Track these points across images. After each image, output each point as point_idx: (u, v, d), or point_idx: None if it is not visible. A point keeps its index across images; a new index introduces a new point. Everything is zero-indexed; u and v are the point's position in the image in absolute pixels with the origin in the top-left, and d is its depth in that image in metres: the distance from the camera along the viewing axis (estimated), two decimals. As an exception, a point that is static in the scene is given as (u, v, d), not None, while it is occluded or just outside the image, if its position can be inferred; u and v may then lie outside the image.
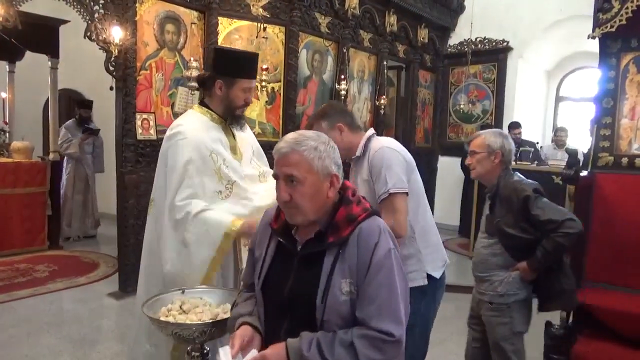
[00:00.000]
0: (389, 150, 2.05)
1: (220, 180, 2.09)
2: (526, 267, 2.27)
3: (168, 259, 2.03)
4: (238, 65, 2.12)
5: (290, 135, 1.40)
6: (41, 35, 5.53)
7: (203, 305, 1.69)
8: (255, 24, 4.89)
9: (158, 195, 2.17)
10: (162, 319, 1.59)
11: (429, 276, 2.09)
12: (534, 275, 2.29)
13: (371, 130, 2.20)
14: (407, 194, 2.00)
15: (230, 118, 2.18)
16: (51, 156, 5.91)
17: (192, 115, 2.20)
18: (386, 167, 1.99)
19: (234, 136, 2.23)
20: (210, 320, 1.58)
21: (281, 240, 1.45)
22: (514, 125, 6.55)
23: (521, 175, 2.40)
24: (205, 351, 1.64)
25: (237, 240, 2.08)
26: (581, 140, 6.14)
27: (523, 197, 2.23)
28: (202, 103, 2.22)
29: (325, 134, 1.70)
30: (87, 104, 6.56)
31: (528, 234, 2.26)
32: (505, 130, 6.72)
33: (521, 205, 2.23)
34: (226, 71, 2.10)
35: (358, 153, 2.14)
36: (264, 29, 4.87)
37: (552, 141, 6.83)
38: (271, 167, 2.20)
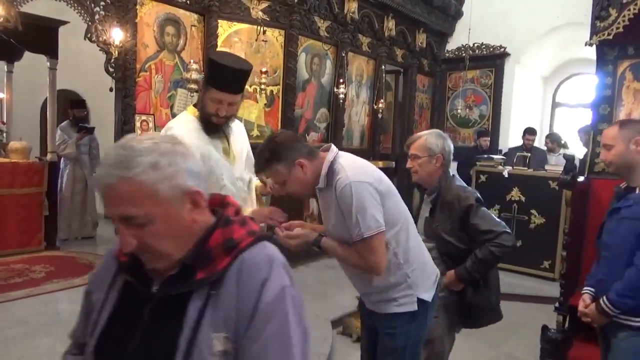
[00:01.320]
0: (357, 185, 1.75)
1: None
2: (453, 275, 2.25)
3: None
4: (212, 74, 2.08)
5: (113, 152, 0.92)
6: (40, 35, 5.52)
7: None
8: (255, 27, 4.91)
9: None
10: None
11: (420, 299, 1.92)
12: (460, 286, 2.26)
13: (332, 152, 1.87)
14: (383, 231, 1.80)
15: (205, 124, 2.14)
16: (49, 157, 5.89)
17: (185, 117, 2.20)
18: (357, 208, 1.74)
19: (227, 139, 2.21)
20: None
21: (129, 278, 1.03)
22: (529, 131, 6.56)
23: (461, 180, 2.38)
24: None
25: None
26: (577, 146, 6.20)
27: (466, 206, 2.20)
28: (196, 105, 2.22)
29: (280, 173, 1.76)
30: (80, 104, 6.53)
31: (463, 244, 2.25)
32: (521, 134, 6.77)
33: (462, 214, 2.21)
34: (205, 76, 2.14)
35: (321, 184, 1.84)
36: (264, 32, 4.89)
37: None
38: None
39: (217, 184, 2.10)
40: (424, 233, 2.35)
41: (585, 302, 2.05)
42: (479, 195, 2.28)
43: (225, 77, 2.05)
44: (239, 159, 2.26)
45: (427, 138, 2.28)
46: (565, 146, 6.79)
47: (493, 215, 2.28)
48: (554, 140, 6.66)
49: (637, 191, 2.01)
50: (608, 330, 2.00)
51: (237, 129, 2.33)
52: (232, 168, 2.19)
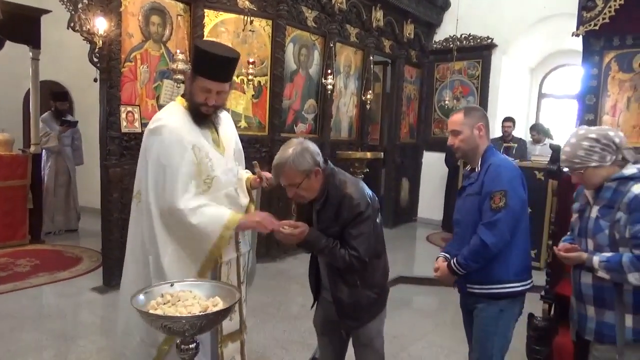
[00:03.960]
0: None
1: (200, 175, 2.05)
2: (306, 230, 2.03)
3: (165, 253, 2.04)
4: (201, 63, 2.04)
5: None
6: (22, 25, 5.41)
7: (192, 298, 1.69)
8: (242, 17, 4.86)
9: (144, 188, 2.12)
10: (151, 312, 1.58)
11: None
12: (295, 241, 2.04)
13: None
14: None
15: (194, 114, 2.10)
16: (32, 149, 5.80)
17: (174, 107, 2.16)
18: None
19: (216, 130, 2.18)
20: (200, 313, 1.58)
21: None
22: (506, 119, 6.64)
23: (345, 174, 2.12)
24: (195, 344, 1.64)
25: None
26: (563, 137, 6.27)
27: (355, 213, 1.98)
28: (184, 95, 2.17)
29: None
30: (62, 96, 6.45)
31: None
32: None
33: (349, 219, 1.99)
34: (193, 65, 2.10)
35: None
36: (251, 22, 4.84)
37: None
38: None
39: (209, 176, 2.08)
40: None
41: (438, 263, 2.30)
42: (369, 199, 2.05)
43: (214, 65, 2.02)
44: (228, 149, 2.23)
45: (294, 162, 1.94)
46: (550, 136, 6.86)
47: (369, 232, 2.03)
48: (539, 131, 6.74)
49: (477, 169, 2.22)
50: (469, 302, 2.27)
51: (225, 120, 2.30)
52: (222, 159, 2.16)
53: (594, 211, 1.95)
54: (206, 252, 2.07)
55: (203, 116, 2.12)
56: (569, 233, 2.21)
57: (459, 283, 2.26)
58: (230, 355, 2.25)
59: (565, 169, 2.12)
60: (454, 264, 2.18)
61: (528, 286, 2.21)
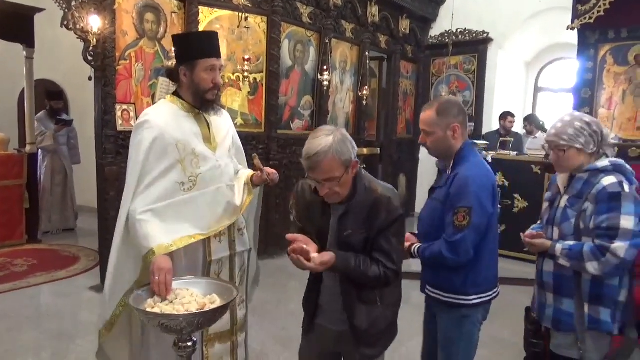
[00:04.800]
0: None
1: (184, 172, 2.02)
2: (332, 257, 1.76)
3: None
4: (194, 46, 2.03)
5: None
6: (15, 24, 5.38)
7: (190, 296, 1.68)
8: (237, 13, 4.85)
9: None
10: (148, 310, 1.58)
11: None
12: (321, 269, 1.77)
13: None
14: None
15: (201, 104, 2.09)
16: (28, 148, 5.78)
17: (162, 104, 2.14)
18: None
19: (208, 125, 2.15)
20: (198, 311, 1.58)
21: None
22: (505, 115, 6.64)
23: (376, 181, 1.93)
24: (192, 342, 1.64)
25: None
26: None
27: (395, 217, 1.81)
28: (175, 93, 2.15)
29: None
30: (57, 95, 6.43)
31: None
32: (496, 119, 6.82)
33: (386, 224, 1.79)
34: (185, 56, 2.04)
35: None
36: (246, 18, 4.83)
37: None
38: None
39: (193, 174, 2.05)
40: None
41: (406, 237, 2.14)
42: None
43: (206, 43, 2.05)
44: (222, 146, 2.19)
45: (335, 150, 1.66)
46: (544, 129, 6.86)
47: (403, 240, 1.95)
48: (532, 122, 6.75)
49: (447, 172, 2.08)
50: (433, 305, 2.17)
51: (222, 117, 2.27)
52: (213, 155, 2.12)
53: (564, 200, 2.00)
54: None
55: (209, 104, 2.10)
56: (538, 222, 2.23)
57: (421, 281, 2.19)
58: (218, 356, 2.20)
59: (547, 147, 2.07)
60: (414, 250, 2.08)
61: (488, 298, 2.09)
